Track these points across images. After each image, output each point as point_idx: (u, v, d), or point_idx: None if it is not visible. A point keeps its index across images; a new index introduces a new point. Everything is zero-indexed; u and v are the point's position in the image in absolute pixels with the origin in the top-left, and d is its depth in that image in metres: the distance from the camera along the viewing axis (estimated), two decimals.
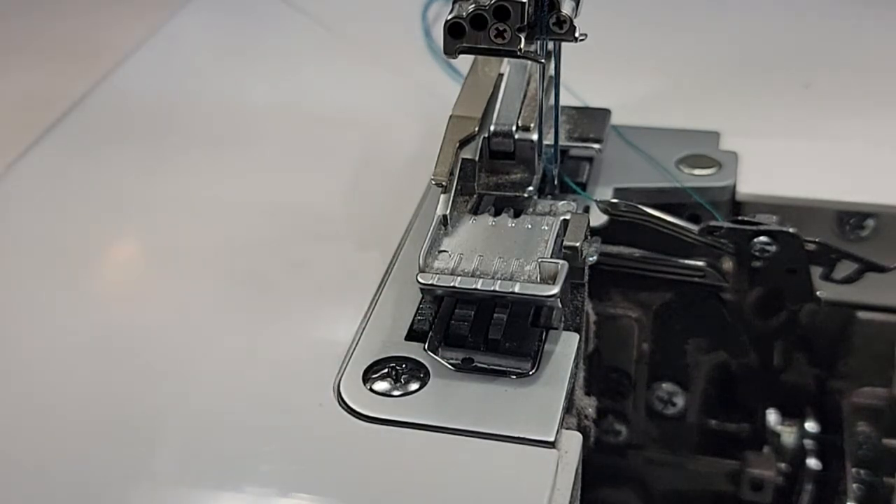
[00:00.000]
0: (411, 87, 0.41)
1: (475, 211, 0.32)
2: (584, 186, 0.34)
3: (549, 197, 0.33)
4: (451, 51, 0.28)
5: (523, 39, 0.28)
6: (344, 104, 0.41)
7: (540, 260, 0.28)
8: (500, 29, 0.27)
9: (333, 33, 0.47)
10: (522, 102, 0.34)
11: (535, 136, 0.32)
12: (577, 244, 0.29)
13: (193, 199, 0.36)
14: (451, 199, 0.31)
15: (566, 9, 0.28)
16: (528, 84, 0.34)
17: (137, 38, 0.48)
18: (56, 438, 0.27)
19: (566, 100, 0.35)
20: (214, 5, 0.48)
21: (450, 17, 0.28)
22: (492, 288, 0.28)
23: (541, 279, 0.28)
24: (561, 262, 0.28)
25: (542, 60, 0.30)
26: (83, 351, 0.30)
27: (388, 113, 0.40)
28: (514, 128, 0.33)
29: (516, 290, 0.28)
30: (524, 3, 0.27)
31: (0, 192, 0.38)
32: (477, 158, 0.32)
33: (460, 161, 0.32)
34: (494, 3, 0.27)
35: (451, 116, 0.34)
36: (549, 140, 0.33)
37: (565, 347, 0.29)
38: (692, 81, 0.41)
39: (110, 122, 0.41)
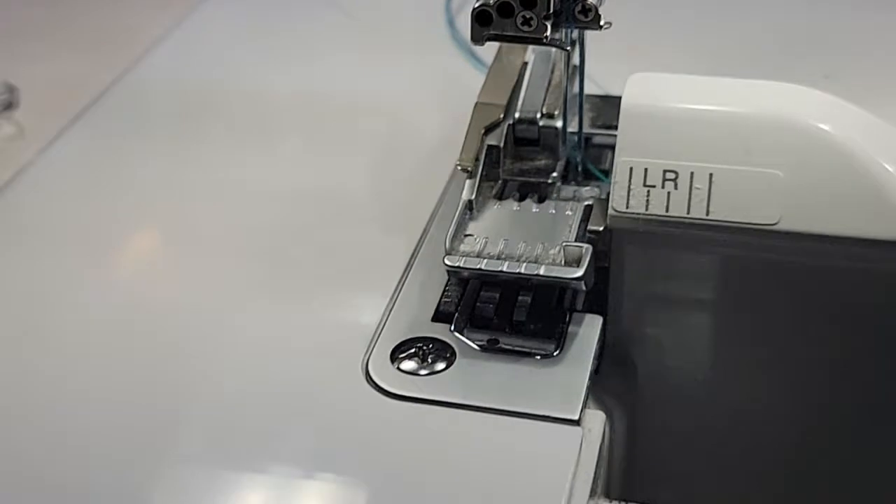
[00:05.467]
0: (437, 74, 0.41)
1: (500, 196, 0.33)
2: (606, 173, 0.34)
3: (573, 183, 0.33)
4: (478, 38, 0.29)
5: (549, 27, 0.29)
6: (369, 92, 0.42)
7: (564, 244, 0.29)
8: (527, 17, 0.28)
9: (358, 21, 0.48)
10: (547, 90, 0.34)
11: (559, 124, 0.33)
12: (601, 228, 0.30)
13: (222, 185, 0.37)
14: (477, 184, 0.32)
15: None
16: (552, 72, 0.35)
17: (165, 26, 0.50)
18: (83, 417, 0.28)
19: (590, 88, 0.36)
20: None
21: (477, 5, 0.28)
22: (517, 270, 0.29)
23: (565, 262, 0.29)
24: (585, 245, 0.29)
25: (568, 48, 0.30)
26: (114, 332, 0.31)
27: (413, 100, 0.41)
28: (538, 115, 0.34)
29: (541, 272, 0.28)
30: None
31: (31, 177, 0.39)
32: (502, 145, 0.33)
33: (486, 147, 0.32)
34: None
35: (476, 103, 0.34)
36: (573, 127, 0.34)
37: (589, 329, 0.30)
38: (712, 71, 0.42)
39: (139, 110, 0.42)
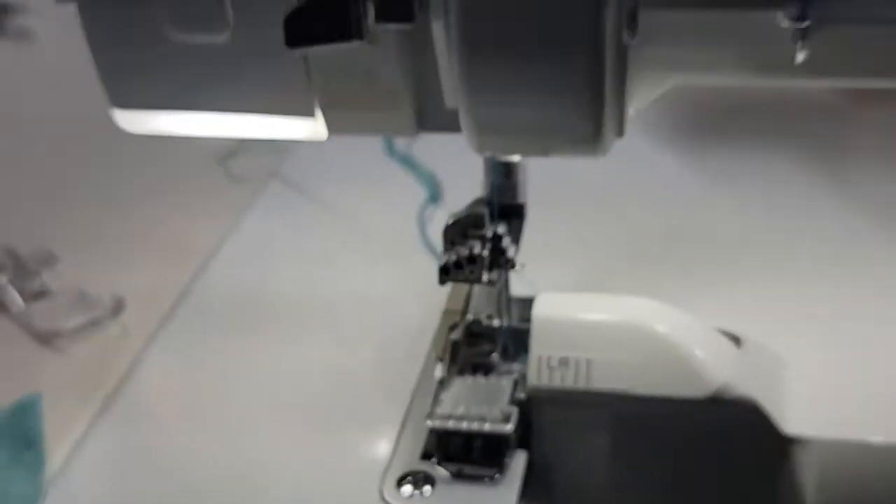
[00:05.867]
0: (416, 275, 0.57)
1: (460, 372, 0.49)
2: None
3: (507, 363, 0.50)
4: (442, 283, 0.46)
5: (485, 273, 0.46)
6: (363, 290, 0.58)
7: (500, 407, 0.46)
8: (471, 270, 0.45)
9: (355, 229, 0.65)
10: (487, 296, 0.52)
11: (496, 323, 0.50)
12: (524, 396, 0.47)
13: (277, 366, 0.54)
14: (446, 366, 0.49)
15: (510, 253, 0.46)
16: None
17: (216, 238, 0.66)
18: None
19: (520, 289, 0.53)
20: (269, 211, 0.67)
21: (441, 262, 0.46)
22: (472, 427, 0.46)
23: (501, 420, 0.46)
24: (514, 407, 0.46)
25: (495, 285, 0.48)
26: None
27: (398, 296, 0.57)
28: (483, 317, 0.51)
29: (486, 428, 0.45)
30: (486, 257, 0.45)
31: (146, 368, 0.55)
32: (461, 339, 0.50)
33: (450, 343, 0.50)
34: (467, 255, 0.45)
35: (444, 310, 0.52)
36: (506, 322, 0.51)
37: (519, 460, 0.47)
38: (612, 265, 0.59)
39: (211, 311, 0.58)
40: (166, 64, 0.41)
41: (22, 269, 0.61)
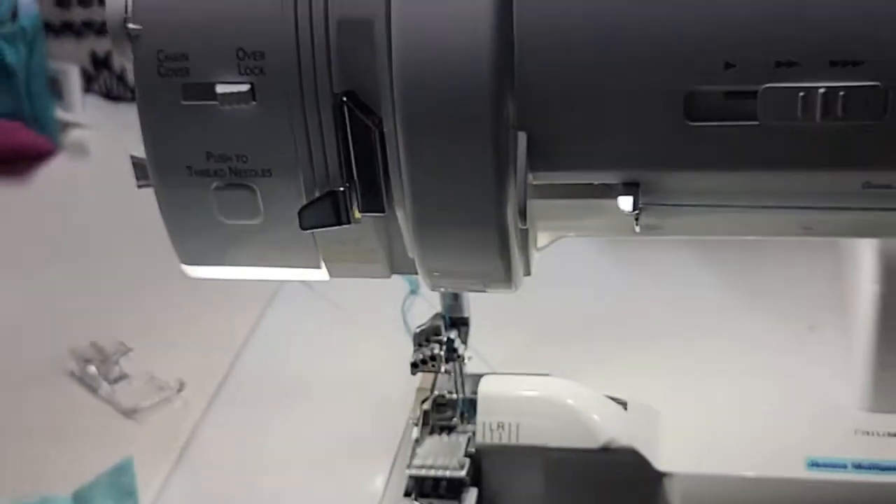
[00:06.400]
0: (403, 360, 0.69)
1: (430, 433, 0.65)
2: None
3: (463, 423, 0.64)
4: (413, 373, 0.65)
5: (443, 366, 0.65)
6: (363, 370, 0.74)
7: (457, 458, 0.64)
8: (433, 365, 0.64)
9: (355, 320, 0.81)
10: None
11: (454, 396, 0.68)
12: (474, 449, 0.65)
13: (298, 428, 0.72)
14: (420, 428, 0.67)
15: (461, 351, 0.65)
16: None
17: (247, 329, 0.82)
18: None
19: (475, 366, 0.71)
20: (286, 305, 0.84)
21: (412, 360, 0.64)
22: (438, 473, 0.64)
23: (459, 467, 0.64)
24: (468, 459, 0.64)
25: (451, 373, 0.66)
26: None
27: (386, 377, 0.71)
28: (446, 392, 0.68)
29: (447, 474, 0.62)
30: (442, 356, 0.64)
31: (205, 433, 0.72)
32: (430, 408, 0.68)
33: (422, 411, 0.65)
34: (430, 354, 0.64)
35: (417, 388, 0.70)
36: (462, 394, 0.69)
37: (472, 495, 0.64)
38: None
39: (249, 389, 0.75)
40: (218, 235, 0.52)
41: (104, 359, 0.79)
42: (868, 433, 0.64)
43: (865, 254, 0.64)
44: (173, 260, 0.70)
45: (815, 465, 0.62)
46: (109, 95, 1.27)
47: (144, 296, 0.84)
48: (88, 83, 1.22)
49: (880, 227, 0.54)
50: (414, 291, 0.81)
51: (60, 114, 1.11)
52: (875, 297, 0.63)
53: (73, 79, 1.11)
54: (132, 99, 1.32)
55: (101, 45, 1.25)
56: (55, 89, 1.11)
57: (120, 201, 0.96)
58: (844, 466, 0.61)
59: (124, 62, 0.53)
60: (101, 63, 1.25)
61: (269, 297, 0.82)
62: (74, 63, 1.19)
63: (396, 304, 0.79)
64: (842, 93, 0.44)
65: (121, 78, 1.26)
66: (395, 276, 0.67)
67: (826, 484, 0.61)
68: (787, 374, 0.70)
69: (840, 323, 0.73)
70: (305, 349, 0.76)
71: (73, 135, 1.15)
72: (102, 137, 1.16)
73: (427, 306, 0.73)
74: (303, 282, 0.81)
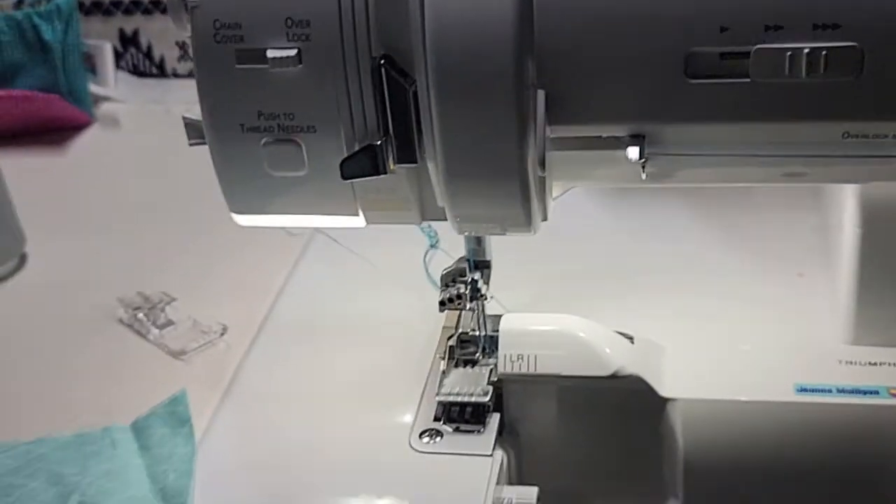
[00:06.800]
0: (424, 301, 0.77)
1: (456, 366, 0.68)
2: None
3: (484, 358, 0.69)
4: (441, 311, 0.71)
5: (468, 304, 0.71)
6: (392, 313, 0.77)
7: (482, 387, 0.71)
8: (459, 303, 0.71)
9: (381, 269, 0.82)
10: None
11: (478, 333, 0.73)
12: (497, 378, 0.72)
13: (334, 365, 0.78)
14: (446, 362, 0.70)
15: (483, 291, 0.71)
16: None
17: (281, 279, 0.83)
18: None
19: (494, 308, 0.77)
20: (317, 258, 0.89)
21: (439, 299, 0.71)
22: (464, 399, 0.70)
23: (483, 394, 0.71)
24: (490, 387, 0.71)
25: (475, 311, 0.73)
26: None
27: (414, 318, 0.75)
28: (469, 330, 0.72)
29: (472, 399, 0.69)
30: (467, 294, 0.70)
31: (246, 374, 0.77)
32: (455, 344, 0.73)
33: (448, 347, 0.69)
34: (456, 293, 0.70)
35: (443, 326, 0.76)
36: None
37: (494, 420, 0.69)
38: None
39: (287, 335, 0.78)
40: (266, 186, 0.56)
41: (152, 307, 0.85)
42: (850, 363, 0.70)
43: (848, 202, 0.70)
44: (208, 219, 0.77)
45: (802, 390, 0.68)
46: (136, 71, 1.34)
47: (182, 252, 0.89)
48: (117, 60, 1.28)
49: (858, 174, 0.61)
50: (434, 245, 0.88)
51: (94, 88, 1.17)
52: (857, 239, 0.69)
53: (107, 55, 1.16)
54: (157, 75, 1.39)
55: (129, 24, 1.31)
56: (89, 65, 1.16)
57: (151, 168, 1.03)
58: (829, 391, 0.67)
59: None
60: (128, 41, 1.32)
61: (301, 252, 0.85)
62: (107, 40, 1.25)
63: (417, 257, 0.86)
64: (824, 52, 0.49)
65: (148, 55, 1.32)
66: (414, 234, 0.77)
67: (812, 406, 0.67)
68: (778, 314, 0.76)
69: (826, 271, 0.79)
70: (337, 297, 0.80)
71: (106, 107, 1.19)
72: (132, 110, 1.22)
73: (446, 258, 0.79)
74: (331, 237, 0.85)
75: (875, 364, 0.69)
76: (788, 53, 0.49)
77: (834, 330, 0.72)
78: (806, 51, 0.49)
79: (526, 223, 0.55)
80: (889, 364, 0.68)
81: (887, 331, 0.69)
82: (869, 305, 0.70)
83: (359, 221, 0.59)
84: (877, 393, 0.66)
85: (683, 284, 0.77)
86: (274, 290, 0.81)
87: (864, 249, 0.69)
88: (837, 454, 0.66)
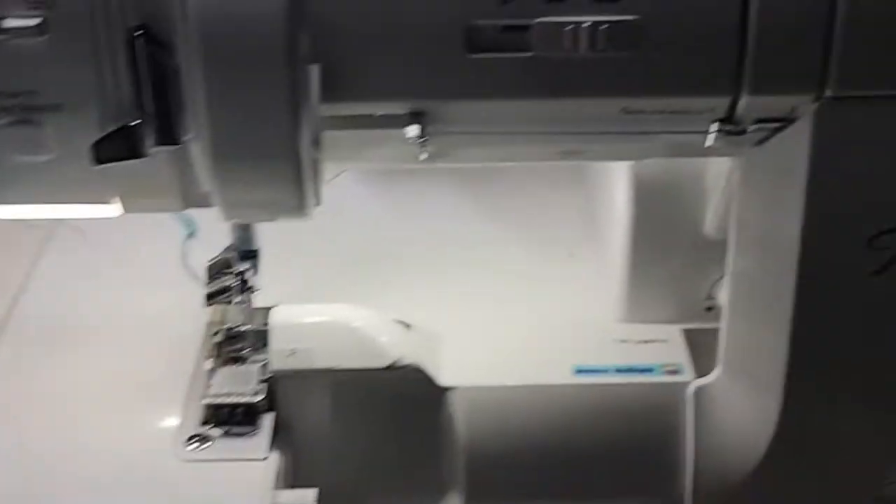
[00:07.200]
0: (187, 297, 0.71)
1: (223, 364, 0.68)
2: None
3: (256, 351, 0.69)
4: (209, 305, 0.66)
5: (236, 297, 0.66)
6: (147, 311, 0.75)
7: (252, 386, 0.67)
8: (227, 296, 0.66)
9: (131, 262, 0.79)
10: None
11: (245, 328, 0.70)
12: (268, 376, 0.68)
13: (87, 371, 0.72)
14: (212, 360, 0.69)
15: (251, 283, 0.67)
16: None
17: (21, 275, 0.83)
18: None
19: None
20: (60, 252, 0.84)
21: (206, 292, 0.66)
22: (235, 400, 0.66)
23: (254, 394, 0.66)
24: (262, 385, 0.67)
25: (243, 304, 0.68)
26: None
27: (173, 314, 0.72)
28: (237, 326, 0.69)
29: (243, 400, 0.65)
30: (234, 287, 0.66)
31: None
32: (222, 340, 0.69)
33: (214, 344, 0.67)
34: (224, 286, 0.66)
35: (207, 322, 0.72)
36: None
37: (268, 420, 0.67)
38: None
39: (29, 331, 0.76)
40: (6, 172, 0.52)
41: None
42: (624, 341, 0.70)
43: (619, 182, 0.70)
44: None
45: (580, 371, 0.68)
46: None
47: None
48: None
49: (634, 151, 0.61)
50: (192, 234, 0.82)
51: None
52: (628, 217, 0.69)
53: None
54: None
55: None
56: None
57: None
58: (605, 371, 0.68)
59: None
60: None
61: (40, 245, 0.80)
62: None
63: (172, 248, 0.80)
64: (604, 26, 0.48)
65: None
66: (168, 222, 0.70)
67: (591, 387, 0.67)
68: (551, 295, 0.76)
69: (595, 249, 0.80)
70: (85, 294, 0.75)
71: None
72: None
73: (205, 248, 0.74)
74: (76, 228, 0.80)
75: (648, 342, 0.69)
76: (569, 27, 0.48)
77: (607, 308, 0.72)
78: (586, 24, 0.48)
79: (299, 208, 0.52)
80: (661, 341, 0.69)
81: (659, 308, 0.70)
82: (640, 283, 0.70)
83: (113, 210, 0.55)
84: (651, 371, 0.67)
85: (456, 268, 0.79)
86: (12, 289, 0.76)
87: (635, 229, 0.69)
88: (618, 434, 0.66)
